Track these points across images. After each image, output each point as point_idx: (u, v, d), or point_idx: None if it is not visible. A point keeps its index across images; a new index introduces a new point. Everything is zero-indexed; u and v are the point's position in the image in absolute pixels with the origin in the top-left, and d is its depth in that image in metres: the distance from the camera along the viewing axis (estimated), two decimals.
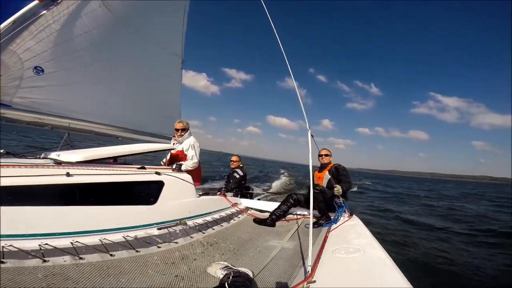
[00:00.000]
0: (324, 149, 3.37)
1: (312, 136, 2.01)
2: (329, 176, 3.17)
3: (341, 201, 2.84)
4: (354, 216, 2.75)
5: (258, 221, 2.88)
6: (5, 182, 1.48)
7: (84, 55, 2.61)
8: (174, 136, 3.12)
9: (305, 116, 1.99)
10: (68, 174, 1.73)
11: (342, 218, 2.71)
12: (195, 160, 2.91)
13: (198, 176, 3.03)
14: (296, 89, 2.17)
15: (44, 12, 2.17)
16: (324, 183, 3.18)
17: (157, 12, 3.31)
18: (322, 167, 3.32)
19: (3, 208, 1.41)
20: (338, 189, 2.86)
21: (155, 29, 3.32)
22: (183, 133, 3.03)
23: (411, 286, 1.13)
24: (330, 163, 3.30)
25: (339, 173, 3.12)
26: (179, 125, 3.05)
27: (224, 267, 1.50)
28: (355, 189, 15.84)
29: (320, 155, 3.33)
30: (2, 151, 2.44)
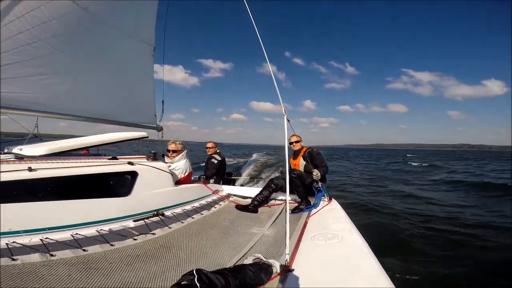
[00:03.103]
0: (293, 135, 3.26)
1: (288, 120, 1.98)
2: (304, 162, 3.15)
3: (320, 185, 2.89)
4: (333, 200, 2.81)
5: (240, 207, 2.87)
6: None
7: (44, 46, 2.35)
8: (167, 155, 2.97)
9: (281, 101, 1.95)
10: (30, 169, 1.61)
11: (322, 202, 2.76)
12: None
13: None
14: (272, 74, 2.10)
15: None
16: (301, 169, 3.16)
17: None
18: (295, 154, 3.28)
19: None
20: (316, 173, 2.89)
21: (121, 17, 3.03)
22: (174, 155, 2.90)
23: (385, 275, 1.13)
24: (302, 148, 3.25)
25: (313, 158, 3.09)
26: (170, 146, 2.91)
27: (255, 259, 1.47)
28: None
29: (290, 143, 3.24)
30: None
